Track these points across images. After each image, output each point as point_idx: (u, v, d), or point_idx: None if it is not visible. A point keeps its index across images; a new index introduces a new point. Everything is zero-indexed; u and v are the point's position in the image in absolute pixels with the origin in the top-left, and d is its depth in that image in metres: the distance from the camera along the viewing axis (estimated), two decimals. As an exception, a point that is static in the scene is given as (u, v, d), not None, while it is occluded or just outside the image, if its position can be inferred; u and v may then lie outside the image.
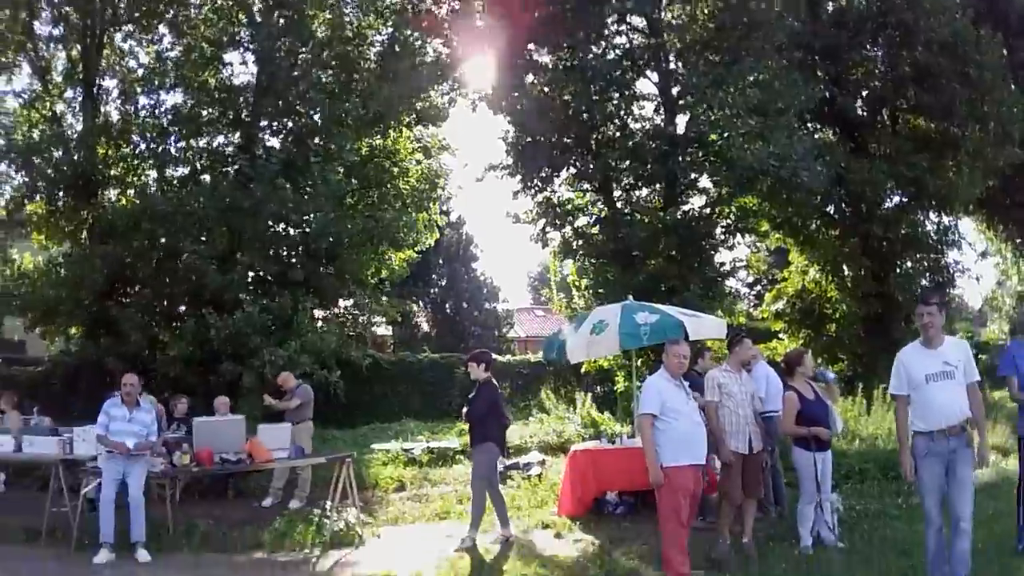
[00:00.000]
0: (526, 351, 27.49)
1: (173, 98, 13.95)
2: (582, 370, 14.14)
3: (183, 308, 12.73)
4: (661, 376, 4.96)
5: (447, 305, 26.37)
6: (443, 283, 26.70)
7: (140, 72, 13.93)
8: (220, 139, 13.95)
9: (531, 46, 13.73)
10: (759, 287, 25.01)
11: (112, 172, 13.93)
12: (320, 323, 13.44)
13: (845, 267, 14.94)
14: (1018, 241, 21.16)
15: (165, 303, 12.57)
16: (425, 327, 25.23)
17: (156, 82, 13.23)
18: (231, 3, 13.42)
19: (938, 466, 4.30)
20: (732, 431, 5.53)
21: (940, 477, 4.31)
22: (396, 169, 13.77)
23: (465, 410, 6.46)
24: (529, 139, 13.62)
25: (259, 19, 12.73)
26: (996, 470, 8.01)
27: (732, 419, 5.55)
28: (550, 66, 13.88)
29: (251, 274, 12.31)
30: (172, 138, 13.47)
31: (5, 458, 7.08)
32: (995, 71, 14.25)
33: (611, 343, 7.13)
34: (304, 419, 8.34)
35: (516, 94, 13.87)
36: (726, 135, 10.95)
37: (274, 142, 13.68)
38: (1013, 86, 16.33)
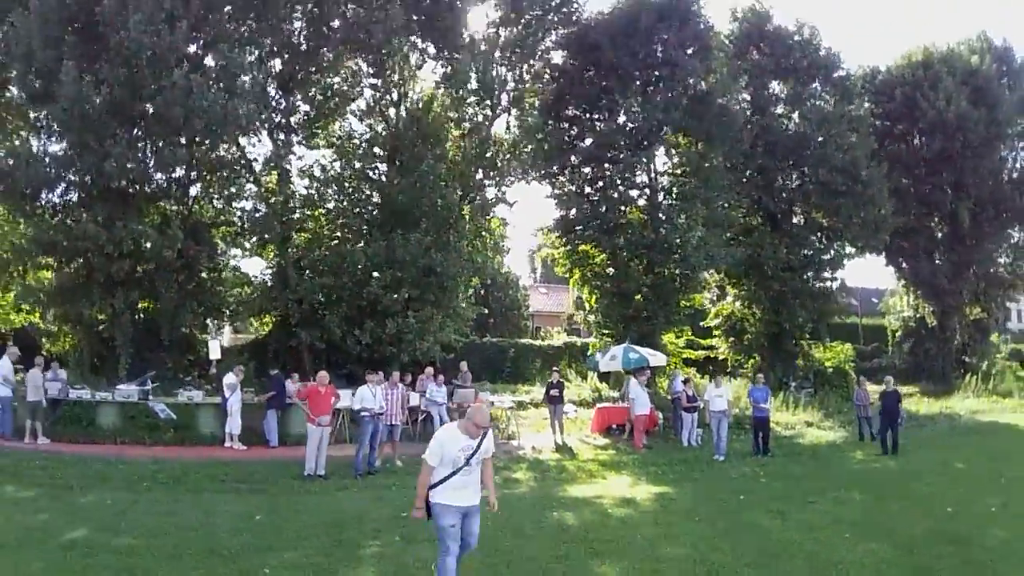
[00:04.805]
0: (535, 329, 38.57)
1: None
2: (589, 354, 25.26)
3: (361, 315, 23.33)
4: (636, 381, 16.14)
5: (480, 291, 37.15)
6: (477, 273, 37.50)
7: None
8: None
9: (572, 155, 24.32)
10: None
11: (306, 225, 24.32)
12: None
13: (754, 306, 26.19)
14: (910, 280, 32.60)
15: (355, 312, 23.06)
16: (465, 309, 36.02)
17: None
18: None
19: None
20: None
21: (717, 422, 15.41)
22: (487, 233, 24.43)
23: (556, 392, 17.30)
24: (566, 211, 24.42)
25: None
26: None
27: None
28: (584, 160, 24.44)
29: (406, 296, 22.85)
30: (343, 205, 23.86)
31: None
32: (876, 187, 25.11)
33: (618, 365, 18.18)
34: (469, 386, 19.24)
35: (559, 179, 24.49)
36: (683, 242, 21.77)
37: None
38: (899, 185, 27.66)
